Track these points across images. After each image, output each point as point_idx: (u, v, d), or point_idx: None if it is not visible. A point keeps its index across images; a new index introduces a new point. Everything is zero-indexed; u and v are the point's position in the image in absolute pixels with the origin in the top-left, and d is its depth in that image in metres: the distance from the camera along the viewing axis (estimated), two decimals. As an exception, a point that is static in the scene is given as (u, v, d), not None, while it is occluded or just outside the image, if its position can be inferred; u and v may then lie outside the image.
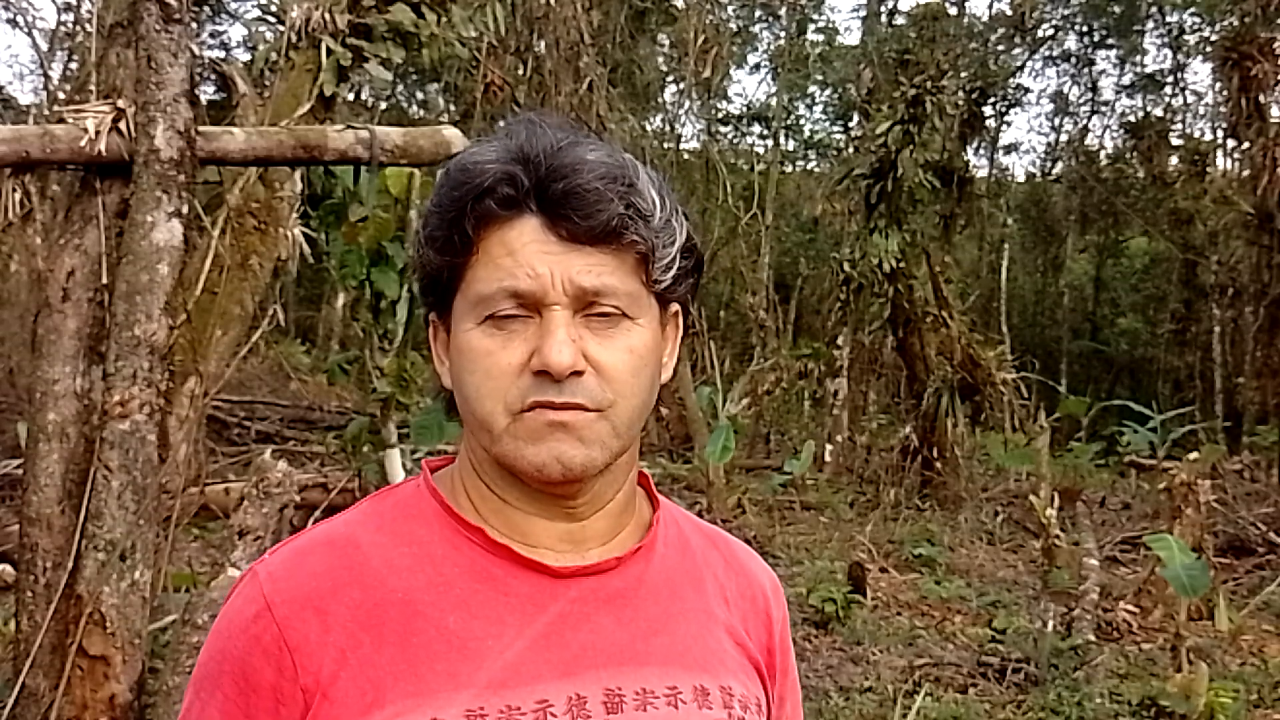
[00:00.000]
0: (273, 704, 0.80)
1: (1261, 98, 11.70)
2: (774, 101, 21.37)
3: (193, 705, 0.85)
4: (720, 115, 22.22)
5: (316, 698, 0.79)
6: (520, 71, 11.57)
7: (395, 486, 0.93)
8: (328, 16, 4.45)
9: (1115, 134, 23.80)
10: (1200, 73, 26.61)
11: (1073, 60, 23.09)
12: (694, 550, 0.93)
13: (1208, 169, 18.35)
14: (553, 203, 0.78)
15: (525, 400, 0.80)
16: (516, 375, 0.80)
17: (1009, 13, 20.96)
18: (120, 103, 3.00)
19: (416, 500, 0.88)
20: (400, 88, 17.71)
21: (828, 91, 23.14)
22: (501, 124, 0.89)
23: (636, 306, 0.82)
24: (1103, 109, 23.76)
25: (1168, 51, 21.75)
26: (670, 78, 18.64)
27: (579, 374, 0.79)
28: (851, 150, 17.02)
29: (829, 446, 12.23)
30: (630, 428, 0.83)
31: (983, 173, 22.04)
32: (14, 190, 3.14)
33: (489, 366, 0.80)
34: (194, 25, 3.32)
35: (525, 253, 0.79)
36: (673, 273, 0.83)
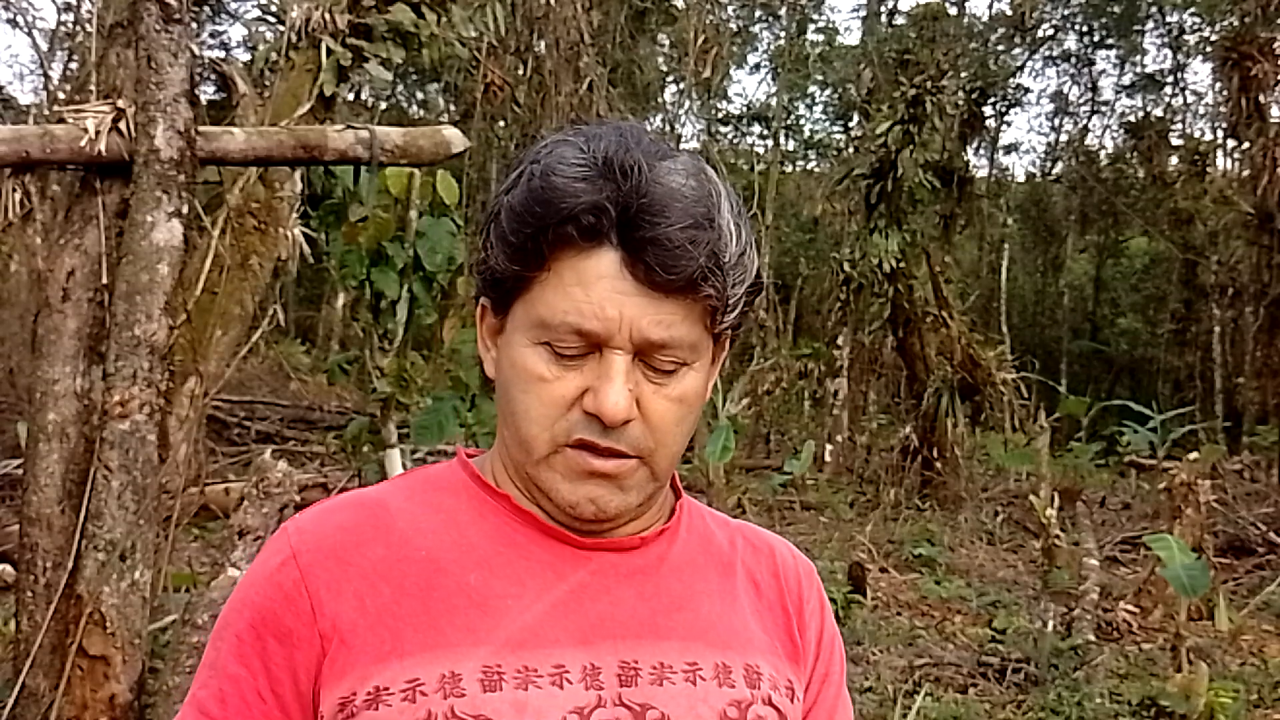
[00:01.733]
0: (289, 648, 0.80)
1: (1261, 97, 11.70)
2: (774, 101, 21.36)
3: (209, 653, 0.85)
4: (720, 115, 22.26)
5: (334, 643, 0.79)
6: (520, 71, 11.58)
7: (427, 466, 0.93)
8: (328, 16, 4.45)
9: (1115, 134, 23.86)
10: (1200, 73, 26.65)
11: (1073, 60, 23.12)
12: (718, 538, 0.93)
13: (1208, 169, 18.35)
14: (636, 244, 0.76)
15: (571, 436, 0.79)
16: (567, 408, 0.79)
17: (1009, 13, 20.98)
18: (120, 103, 2.99)
19: (448, 474, 0.90)
20: (400, 88, 17.73)
21: (828, 91, 23.16)
22: (586, 127, 0.83)
23: (695, 353, 0.81)
24: (1103, 109, 23.81)
25: (1168, 51, 21.79)
26: (670, 78, 18.66)
27: (626, 422, 0.79)
28: (851, 150, 17.02)
29: (829, 446, 12.25)
30: (668, 471, 0.84)
31: (983, 173, 22.09)
32: (14, 190, 3.13)
33: (540, 393, 0.80)
34: (194, 25, 3.32)
35: (598, 289, 0.77)
36: (735, 313, 0.81)
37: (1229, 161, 18.64)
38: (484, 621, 0.80)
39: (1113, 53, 22.93)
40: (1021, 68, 22.10)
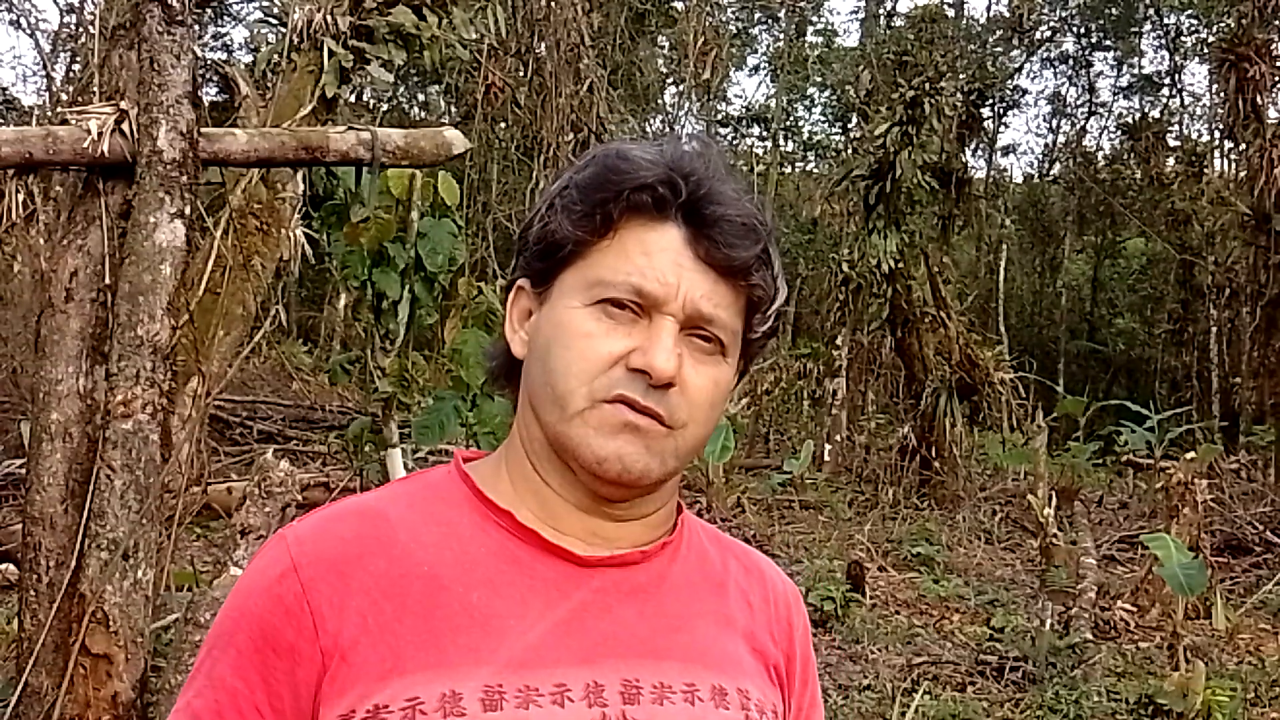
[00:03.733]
0: (290, 664, 0.80)
1: (1258, 99, 11.71)
2: (773, 103, 21.40)
3: (204, 662, 0.84)
4: (720, 117, 22.30)
5: (335, 660, 0.79)
6: (521, 73, 11.60)
7: (425, 471, 0.93)
8: (329, 18, 4.47)
9: (1112, 135, 23.90)
10: (1197, 74, 26.61)
11: (1070, 62, 23.17)
12: (713, 557, 0.94)
13: (1205, 170, 18.37)
14: (702, 222, 0.81)
15: (611, 391, 0.81)
16: (609, 365, 0.81)
17: (1007, 14, 21.02)
18: (123, 104, 3.01)
19: (447, 484, 0.89)
20: (402, 89, 17.73)
21: (826, 93, 23.16)
22: (653, 138, 0.94)
23: (732, 346, 0.85)
24: (1100, 110, 23.86)
25: (1165, 53, 21.84)
26: (670, 79, 18.69)
27: (670, 386, 0.81)
28: (850, 151, 17.02)
29: (828, 446, 12.25)
30: (691, 453, 0.86)
31: (981, 174, 22.09)
32: (18, 191, 3.15)
33: (585, 348, 0.81)
34: (196, 27, 3.34)
35: (661, 258, 0.81)
36: (766, 327, 0.86)
37: (1226, 162, 18.70)
38: (486, 641, 0.79)
39: (1110, 54, 23.00)
40: (1019, 69, 22.17)
